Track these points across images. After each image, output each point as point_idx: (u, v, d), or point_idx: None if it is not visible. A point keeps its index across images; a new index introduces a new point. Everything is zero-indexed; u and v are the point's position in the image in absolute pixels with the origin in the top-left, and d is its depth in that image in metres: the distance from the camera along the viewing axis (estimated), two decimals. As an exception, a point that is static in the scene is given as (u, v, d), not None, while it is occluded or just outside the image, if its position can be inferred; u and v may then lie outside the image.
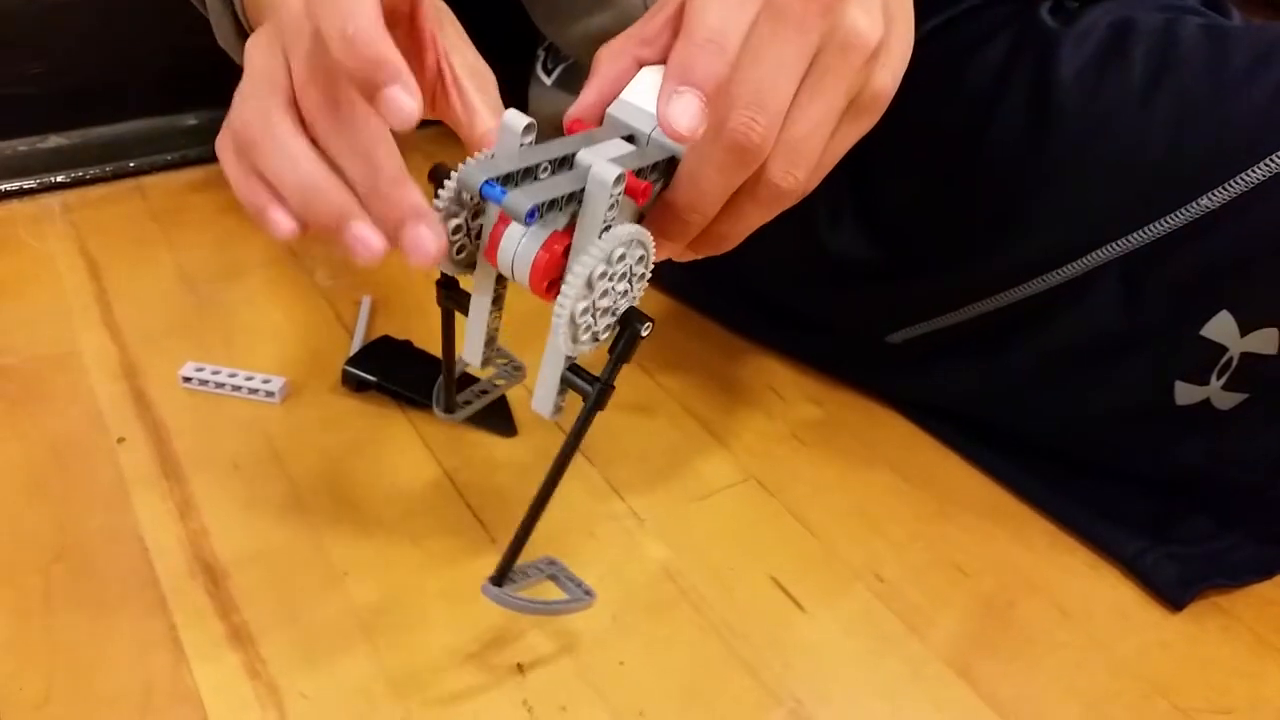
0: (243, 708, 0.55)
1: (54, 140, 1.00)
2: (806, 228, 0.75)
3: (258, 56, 0.47)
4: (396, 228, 0.44)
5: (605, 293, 0.46)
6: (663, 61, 0.48)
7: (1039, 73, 0.66)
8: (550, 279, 0.45)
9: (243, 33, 0.73)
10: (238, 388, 0.74)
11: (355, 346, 0.79)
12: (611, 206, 0.44)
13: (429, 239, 0.44)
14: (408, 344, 0.78)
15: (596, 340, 0.48)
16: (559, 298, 0.45)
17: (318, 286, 0.87)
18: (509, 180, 0.43)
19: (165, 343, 0.79)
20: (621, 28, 0.74)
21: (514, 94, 0.91)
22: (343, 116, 0.44)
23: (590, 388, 0.50)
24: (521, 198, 0.42)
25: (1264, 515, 0.68)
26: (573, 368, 0.50)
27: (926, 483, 0.72)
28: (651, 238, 0.47)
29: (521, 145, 0.45)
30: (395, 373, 0.75)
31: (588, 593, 0.57)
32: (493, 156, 0.45)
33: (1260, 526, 0.68)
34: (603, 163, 0.44)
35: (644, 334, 0.48)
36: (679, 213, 0.47)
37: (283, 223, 0.46)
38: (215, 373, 0.75)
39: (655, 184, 0.47)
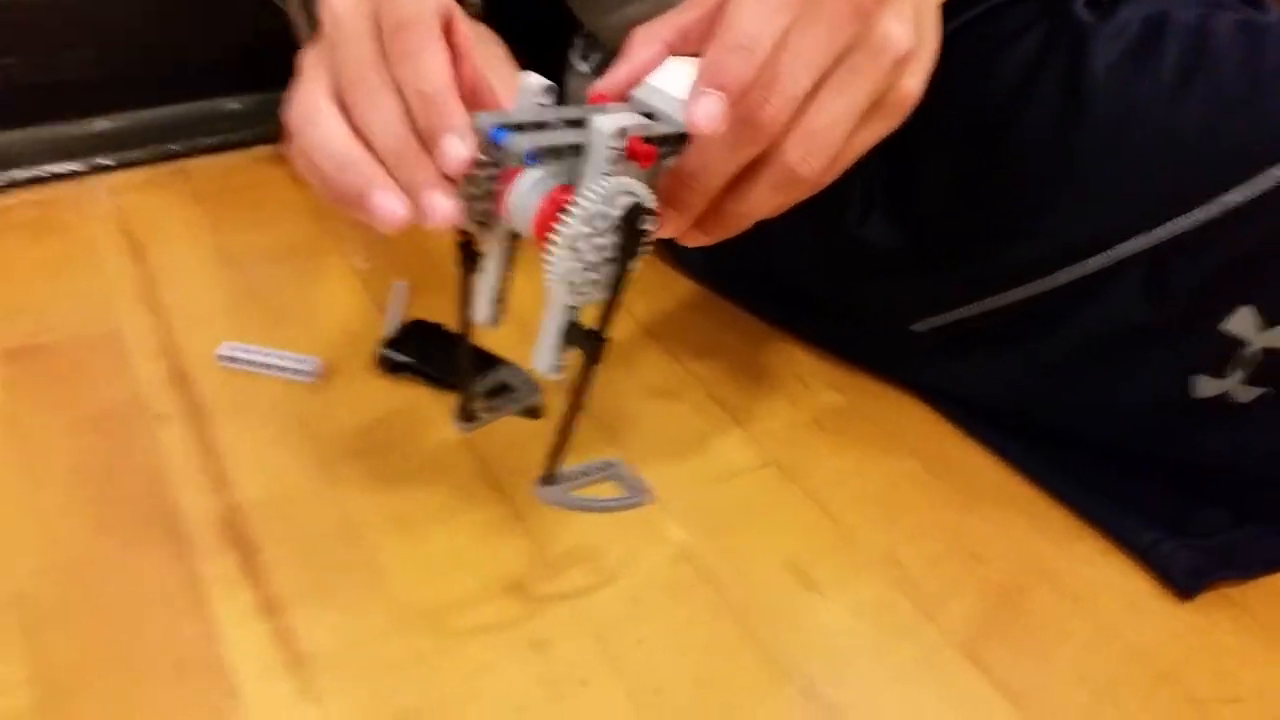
0: (271, 677, 0.57)
1: (100, 124, 1.02)
2: (835, 218, 0.76)
3: (308, 63, 0.52)
4: (417, 194, 0.48)
5: (600, 247, 0.47)
6: (693, 54, 0.50)
7: (1072, 66, 0.66)
8: (551, 228, 0.46)
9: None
10: (274, 367, 0.76)
11: (390, 329, 0.80)
12: (613, 160, 0.45)
13: (442, 204, 0.47)
14: (441, 328, 0.79)
15: (598, 292, 0.49)
16: (551, 242, 0.46)
17: (355, 270, 0.88)
18: (519, 129, 0.45)
19: (205, 322, 0.81)
20: (659, 15, 0.75)
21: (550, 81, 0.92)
22: (371, 92, 0.49)
23: (588, 342, 0.50)
24: (521, 139, 0.44)
25: (1280, 509, 0.68)
26: (573, 324, 0.50)
27: (946, 471, 0.73)
28: (651, 195, 0.47)
29: (539, 105, 0.47)
30: (429, 356, 0.76)
31: (646, 491, 0.59)
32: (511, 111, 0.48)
33: (1276, 520, 0.68)
34: (606, 117, 0.45)
35: (646, 228, 0.47)
36: (683, 181, 0.48)
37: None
38: (253, 352, 0.77)
39: (663, 155, 0.48)
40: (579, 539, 0.66)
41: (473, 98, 0.53)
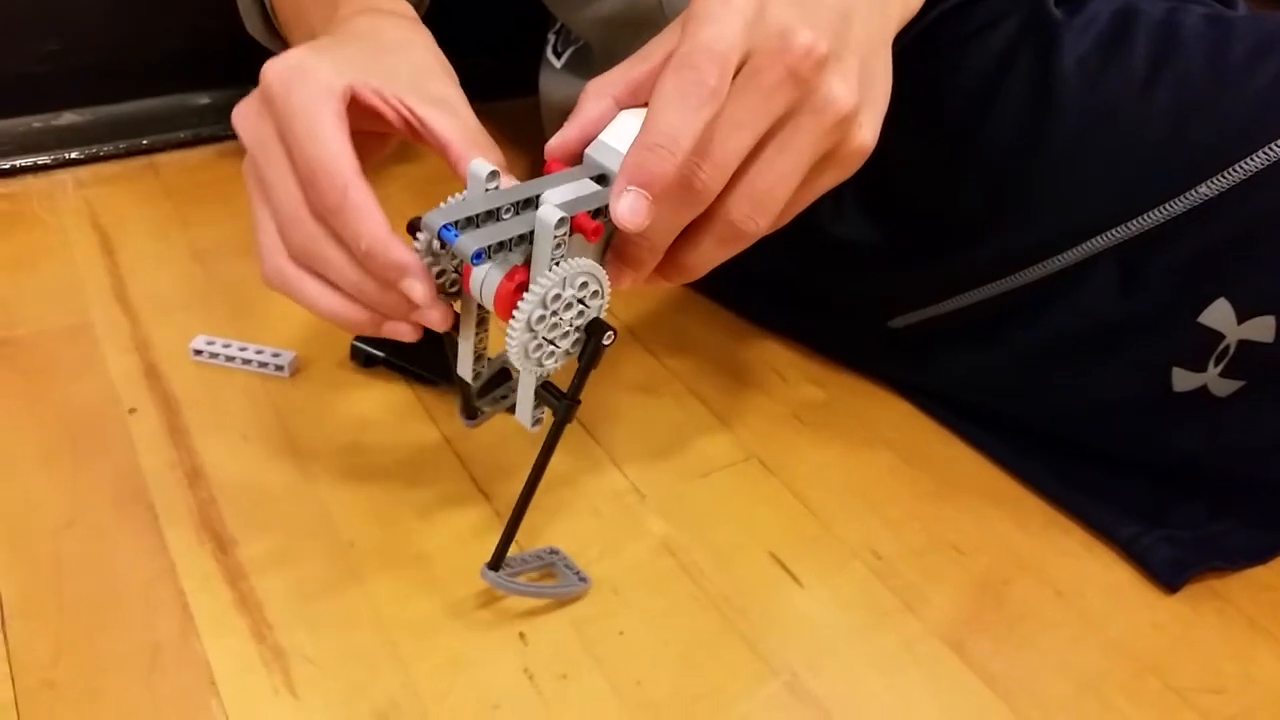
0: (249, 671, 0.56)
1: (68, 117, 1.01)
2: (808, 215, 0.76)
3: (251, 195, 0.54)
4: (401, 315, 0.53)
5: (555, 324, 0.50)
6: (644, 105, 0.52)
7: (1041, 61, 0.67)
8: (512, 308, 0.49)
9: (271, 26, 0.76)
10: (248, 361, 0.75)
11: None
12: (558, 245, 0.48)
13: (431, 317, 0.52)
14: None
15: (556, 361, 0.53)
16: (507, 332, 0.49)
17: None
18: (470, 223, 0.48)
19: (177, 316, 0.80)
20: (631, 11, 0.75)
21: (525, 76, 0.92)
22: (323, 256, 0.52)
23: (559, 403, 0.54)
24: (469, 240, 0.47)
25: (1260, 501, 0.69)
26: (545, 384, 0.55)
27: (925, 463, 0.73)
28: (601, 270, 0.51)
29: (486, 190, 0.49)
30: (402, 349, 0.75)
31: (583, 579, 0.61)
32: (463, 199, 0.50)
33: (1256, 512, 0.68)
34: (549, 206, 0.47)
35: (606, 343, 0.52)
36: (632, 240, 0.51)
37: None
38: (226, 346, 0.76)
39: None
40: (558, 532, 0.65)
41: (415, 136, 0.55)
